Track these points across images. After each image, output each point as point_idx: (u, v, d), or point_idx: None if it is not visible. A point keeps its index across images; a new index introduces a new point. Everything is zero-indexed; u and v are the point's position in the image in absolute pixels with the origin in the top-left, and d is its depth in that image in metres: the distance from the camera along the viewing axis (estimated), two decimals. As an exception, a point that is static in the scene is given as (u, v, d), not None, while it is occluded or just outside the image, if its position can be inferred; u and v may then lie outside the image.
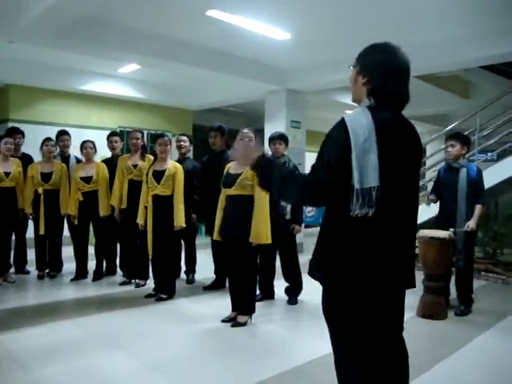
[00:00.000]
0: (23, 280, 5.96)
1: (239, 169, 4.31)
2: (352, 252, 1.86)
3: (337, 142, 1.85)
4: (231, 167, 4.46)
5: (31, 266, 6.21)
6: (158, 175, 5.07)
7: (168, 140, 5.19)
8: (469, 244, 4.85)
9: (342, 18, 5.80)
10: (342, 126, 1.85)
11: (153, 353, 3.69)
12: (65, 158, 6.37)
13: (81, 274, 6.05)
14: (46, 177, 5.91)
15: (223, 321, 4.44)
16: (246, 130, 4.44)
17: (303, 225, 5.38)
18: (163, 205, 5.04)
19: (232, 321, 4.42)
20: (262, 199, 4.19)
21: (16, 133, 6.16)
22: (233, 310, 4.51)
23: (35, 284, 5.86)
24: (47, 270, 6.15)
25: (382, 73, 1.94)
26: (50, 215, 5.89)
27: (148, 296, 5.21)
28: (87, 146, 6.00)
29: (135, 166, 5.66)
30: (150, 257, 5.13)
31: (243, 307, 4.44)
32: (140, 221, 5.17)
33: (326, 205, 1.93)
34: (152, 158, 5.54)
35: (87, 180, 5.90)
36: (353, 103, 1.98)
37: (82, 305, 5.02)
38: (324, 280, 1.97)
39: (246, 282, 4.39)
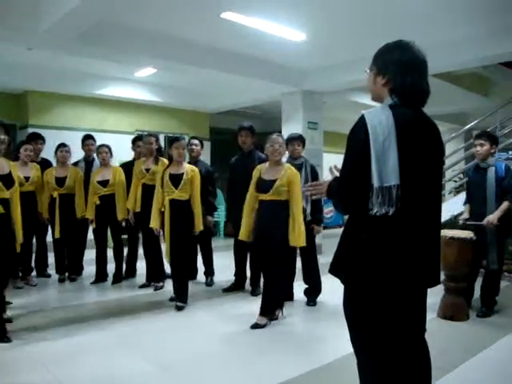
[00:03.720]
0: (44, 283, 6.02)
1: (274, 175, 4.36)
2: (373, 251, 1.86)
3: (356, 141, 1.87)
4: (263, 172, 4.48)
5: (52, 270, 6.26)
6: (176, 179, 4.96)
7: (185, 143, 5.13)
8: (500, 246, 4.72)
9: (357, 17, 5.76)
10: (361, 123, 1.86)
11: (173, 355, 3.70)
12: (89, 162, 6.45)
13: (101, 277, 6.08)
14: (60, 181, 5.94)
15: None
16: (274, 136, 4.49)
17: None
18: (181, 209, 4.94)
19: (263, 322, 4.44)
20: (299, 204, 4.33)
21: (37, 138, 6.21)
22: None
23: (56, 287, 5.92)
24: (67, 274, 6.19)
25: (401, 70, 1.94)
26: (65, 219, 5.93)
27: (172, 299, 5.14)
28: (103, 151, 6.02)
29: (148, 170, 5.70)
30: (168, 261, 5.03)
31: (267, 308, 4.42)
32: (155, 225, 5.07)
33: (351, 204, 1.94)
34: (166, 161, 5.52)
35: (104, 184, 5.91)
36: (371, 103, 1.98)
37: (103, 308, 5.04)
38: (346, 279, 1.97)
39: (276, 284, 4.39)
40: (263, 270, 4.57)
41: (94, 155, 6.51)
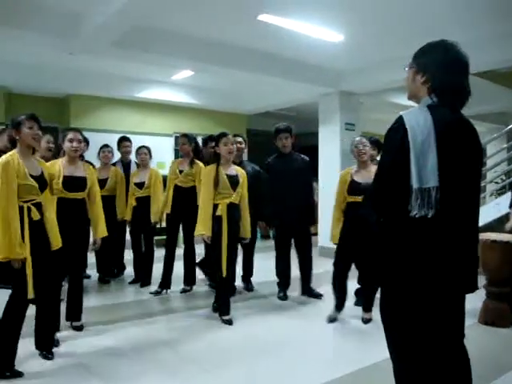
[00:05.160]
0: (84, 283, 6.11)
1: (369, 177, 4.30)
2: (410, 254, 1.84)
3: (394, 141, 1.85)
4: (354, 175, 4.54)
5: (89, 270, 6.34)
6: (233, 181, 4.59)
7: (233, 138, 4.74)
8: None
9: (395, 17, 5.67)
10: (399, 124, 1.85)
11: (210, 356, 3.72)
12: (126, 164, 6.49)
13: (138, 278, 6.10)
14: (101, 183, 5.82)
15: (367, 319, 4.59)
16: (358, 138, 4.56)
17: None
18: (236, 214, 4.63)
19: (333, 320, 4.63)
20: None
21: None
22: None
23: (95, 287, 6.01)
24: (104, 274, 6.25)
25: (442, 70, 1.92)
26: (107, 221, 5.90)
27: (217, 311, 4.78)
28: (142, 152, 6.00)
29: (181, 172, 5.60)
30: (224, 274, 4.46)
31: (371, 304, 4.56)
32: (209, 232, 4.48)
33: (389, 205, 1.91)
34: (202, 165, 5.45)
35: (140, 186, 5.90)
36: (409, 104, 1.95)
37: (142, 307, 5.12)
38: (382, 281, 1.95)
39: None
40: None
41: (131, 157, 6.58)
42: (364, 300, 4.66)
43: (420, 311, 1.87)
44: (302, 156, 5.50)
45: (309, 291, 5.52)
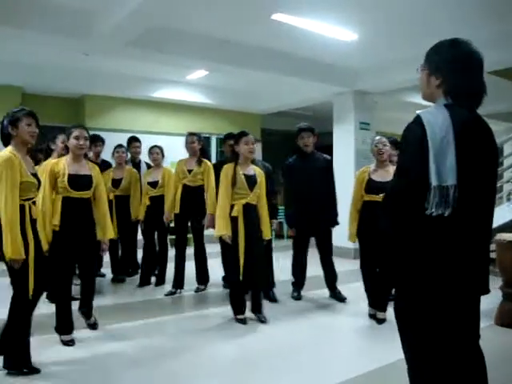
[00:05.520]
0: (98, 282, 6.12)
1: (386, 176, 4.29)
2: (426, 253, 1.82)
3: (413, 139, 1.83)
4: (371, 173, 4.54)
5: (107, 268, 6.35)
6: (251, 181, 4.51)
7: (253, 138, 4.62)
8: None
9: (410, 16, 5.64)
10: (418, 123, 1.83)
11: (225, 359, 3.72)
12: (136, 164, 6.50)
13: (146, 280, 6.04)
14: (116, 183, 5.99)
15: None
16: (378, 137, 4.56)
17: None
18: (253, 214, 4.52)
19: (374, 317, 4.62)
20: None
21: (96, 140, 6.11)
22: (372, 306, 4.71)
23: (109, 286, 6.05)
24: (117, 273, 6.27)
25: (456, 70, 1.89)
26: (121, 221, 5.91)
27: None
28: (154, 152, 6.00)
29: (190, 171, 5.57)
30: (241, 277, 4.41)
31: (383, 304, 4.55)
32: (229, 232, 4.41)
33: (408, 204, 1.87)
34: (210, 164, 5.47)
35: (153, 185, 5.90)
36: (423, 103, 1.93)
37: (156, 307, 5.13)
38: (396, 282, 1.95)
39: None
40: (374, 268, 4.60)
41: (140, 157, 6.60)
42: (378, 300, 4.65)
43: (435, 311, 1.85)
44: (324, 155, 5.48)
45: (334, 293, 5.48)
